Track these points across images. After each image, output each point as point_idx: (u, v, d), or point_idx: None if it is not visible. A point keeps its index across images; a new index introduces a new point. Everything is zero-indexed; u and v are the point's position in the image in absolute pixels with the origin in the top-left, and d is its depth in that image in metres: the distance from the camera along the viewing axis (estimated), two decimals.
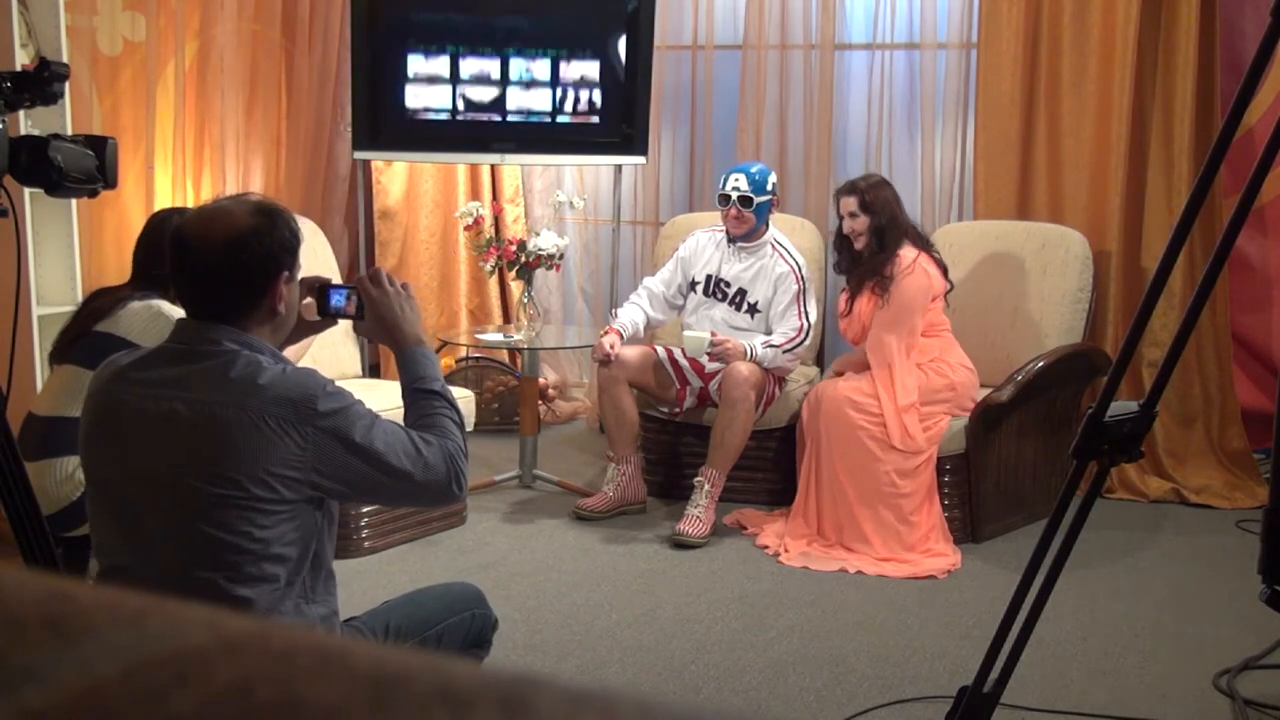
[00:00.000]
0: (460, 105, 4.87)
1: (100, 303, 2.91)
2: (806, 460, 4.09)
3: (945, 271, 4.18)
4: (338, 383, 1.95)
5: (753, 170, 4.29)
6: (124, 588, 0.37)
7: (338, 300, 2.11)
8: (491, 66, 4.86)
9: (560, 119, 4.88)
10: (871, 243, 4.10)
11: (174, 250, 1.91)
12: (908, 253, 4.09)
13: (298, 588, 1.92)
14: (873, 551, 3.88)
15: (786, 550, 3.92)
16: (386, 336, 2.11)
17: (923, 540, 3.92)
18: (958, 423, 4.07)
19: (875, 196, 4.09)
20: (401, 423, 2.01)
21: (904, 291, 4.05)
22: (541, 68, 4.86)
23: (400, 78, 4.83)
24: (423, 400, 2.04)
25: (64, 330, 2.99)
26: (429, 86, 4.86)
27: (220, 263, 1.87)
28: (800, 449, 4.15)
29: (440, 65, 4.85)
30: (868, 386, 4.03)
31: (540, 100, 4.88)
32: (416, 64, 4.83)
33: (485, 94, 4.88)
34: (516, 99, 4.87)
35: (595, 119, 4.87)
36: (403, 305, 2.08)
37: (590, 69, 4.87)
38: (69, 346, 2.90)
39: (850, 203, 4.11)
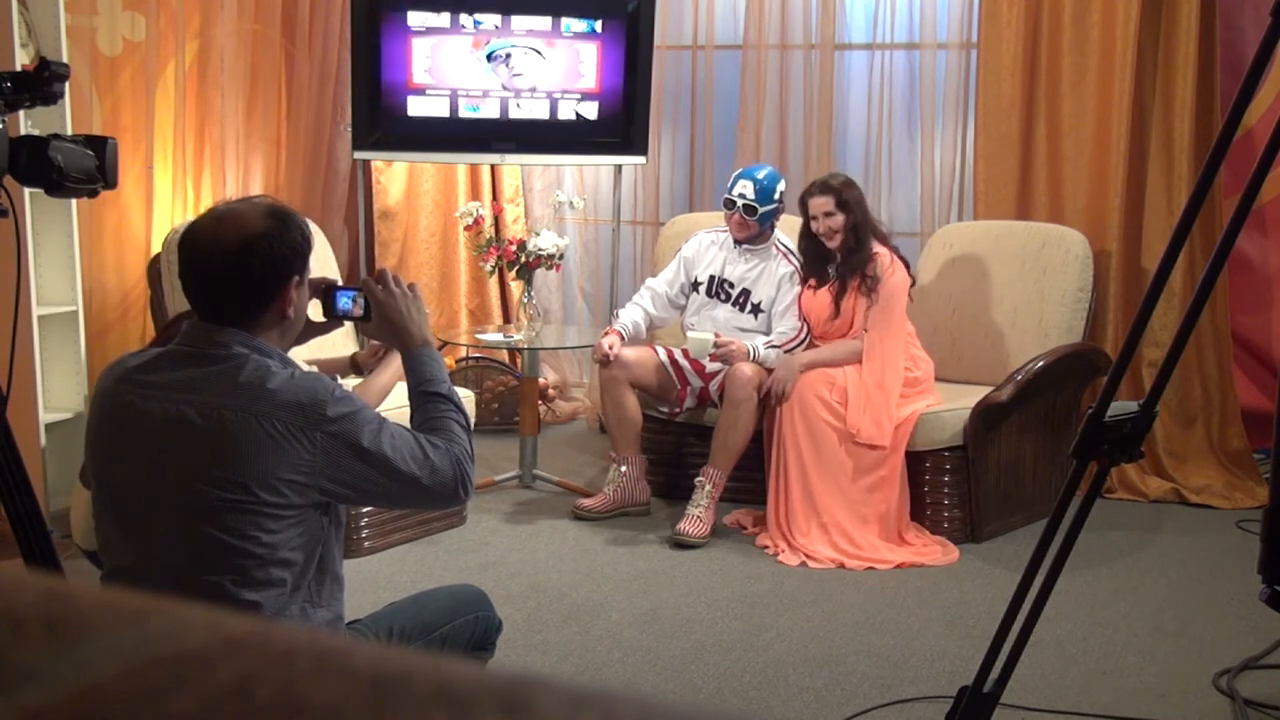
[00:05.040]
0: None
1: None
2: (776, 454, 4.08)
3: (908, 267, 4.20)
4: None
5: (760, 176, 4.23)
6: (129, 588, 0.37)
7: (344, 301, 2.11)
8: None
9: (560, 119, 4.88)
10: (849, 239, 4.10)
11: (184, 252, 1.91)
12: (882, 250, 4.10)
13: (304, 592, 1.92)
14: (844, 545, 3.88)
15: (785, 550, 3.92)
16: (393, 338, 2.11)
17: (896, 533, 3.94)
18: (956, 421, 4.07)
19: (850, 194, 4.09)
20: (407, 424, 2.01)
21: (892, 289, 4.07)
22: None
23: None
24: (429, 403, 2.04)
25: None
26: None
27: (230, 265, 1.87)
28: (768, 440, 4.13)
29: None
30: (837, 379, 4.03)
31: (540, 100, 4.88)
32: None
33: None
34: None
35: (595, 119, 4.87)
36: (409, 307, 2.07)
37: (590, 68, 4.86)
38: None
39: (826, 202, 4.08)
